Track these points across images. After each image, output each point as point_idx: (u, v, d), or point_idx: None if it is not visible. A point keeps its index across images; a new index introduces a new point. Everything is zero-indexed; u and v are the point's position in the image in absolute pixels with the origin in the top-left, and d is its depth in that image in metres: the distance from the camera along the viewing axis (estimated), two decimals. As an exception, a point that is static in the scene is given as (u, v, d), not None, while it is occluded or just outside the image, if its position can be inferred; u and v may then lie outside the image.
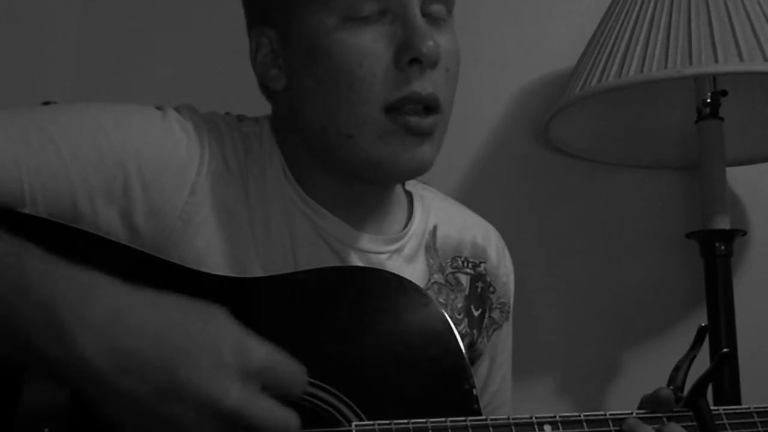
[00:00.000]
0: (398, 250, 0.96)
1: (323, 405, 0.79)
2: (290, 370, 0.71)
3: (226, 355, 0.67)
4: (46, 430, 0.75)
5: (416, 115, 0.86)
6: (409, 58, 0.84)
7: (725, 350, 1.12)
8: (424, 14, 0.87)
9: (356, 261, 0.92)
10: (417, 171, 0.89)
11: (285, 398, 0.70)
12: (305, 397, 0.78)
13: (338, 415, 0.79)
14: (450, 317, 0.86)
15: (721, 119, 1.34)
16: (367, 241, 0.94)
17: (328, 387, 0.80)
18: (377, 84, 0.85)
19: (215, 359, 0.67)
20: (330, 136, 0.88)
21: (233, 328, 0.70)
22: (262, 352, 0.69)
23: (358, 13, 0.85)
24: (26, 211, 0.81)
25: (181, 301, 0.71)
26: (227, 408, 0.66)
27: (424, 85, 0.85)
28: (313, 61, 0.87)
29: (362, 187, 0.93)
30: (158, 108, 0.90)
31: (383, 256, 0.94)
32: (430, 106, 0.86)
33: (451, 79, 0.89)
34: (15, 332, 0.67)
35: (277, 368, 0.70)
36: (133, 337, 0.67)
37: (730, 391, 1.26)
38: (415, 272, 0.95)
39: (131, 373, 0.66)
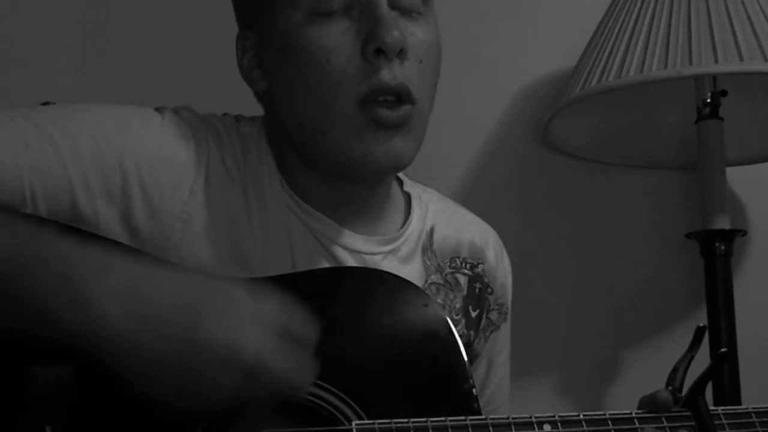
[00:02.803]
0: (394, 251, 0.96)
1: (324, 404, 0.79)
2: (303, 317, 0.73)
3: (241, 306, 0.70)
4: (48, 428, 0.75)
5: (387, 107, 0.85)
6: (374, 48, 0.84)
7: (723, 350, 1.12)
8: (395, 7, 0.87)
9: (351, 262, 0.92)
10: (393, 166, 0.89)
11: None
12: (306, 396, 0.79)
13: (339, 415, 0.79)
14: (448, 318, 0.86)
15: (721, 119, 1.34)
16: (361, 242, 0.94)
17: (328, 386, 0.80)
18: (346, 79, 0.85)
19: (232, 313, 0.70)
20: (306, 134, 0.88)
21: (245, 283, 0.73)
22: (275, 302, 0.72)
23: (324, 9, 0.85)
24: (27, 211, 0.81)
25: (192, 270, 0.75)
26: (247, 357, 0.69)
27: (394, 74, 0.85)
28: (285, 59, 0.88)
29: (348, 186, 0.93)
30: (157, 109, 0.90)
31: (378, 257, 0.94)
32: (401, 98, 0.86)
33: (425, 70, 0.89)
34: (37, 302, 0.69)
35: (290, 316, 0.73)
36: (151, 302, 0.70)
37: (730, 391, 1.26)
38: (411, 273, 0.95)
39: (152, 331, 0.68)
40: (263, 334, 0.70)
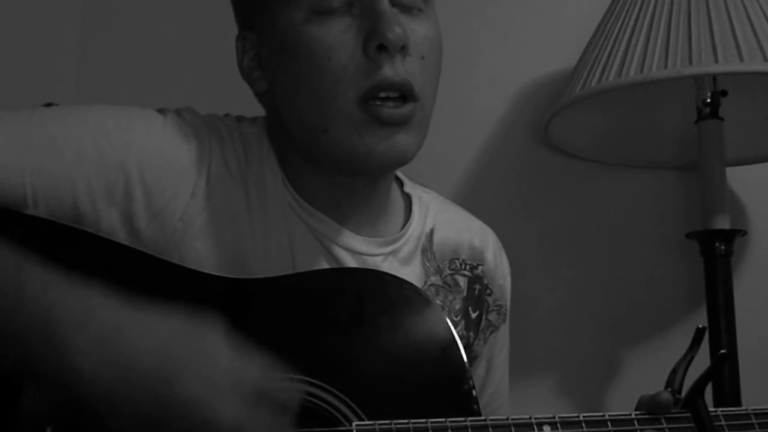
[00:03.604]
0: (394, 252, 0.96)
1: (324, 405, 0.79)
2: (285, 385, 0.73)
3: (223, 369, 0.69)
4: (49, 429, 0.75)
5: (391, 104, 0.85)
6: (376, 44, 0.84)
7: (723, 351, 1.12)
8: (395, 4, 0.87)
9: (351, 263, 0.92)
10: (395, 162, 0.89)
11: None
12: (306, 396, 0.79)
13: (339, 415, 0.79)
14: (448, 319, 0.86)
15: (721, 119, 1.34)
16: (361, 243, 0.94)
17: (328, 387, 0.80)
18: (348, 76, 0.85)
19: (212, 376, 0.68)
20: (308, 132, 0.88)
21: (230, 342, 0.71)
22: (257, 364, 0.71)
23: (325, 7, 0.85)
24: (28, 212, 0.81)
25: (178, 315, 0.72)
26: (222, 424, 0.67)
27: (396, 71, 0.85)
28: (286, 58, 0.88)
29: (350, 183, 0.93)
30: (160, 110, 0.90)
31: (378, 258, 0.94)
32: (404, 94, 0.86)
33: (428, 67, 0.89)
34: (14, 344, 0.68)
35: (271, 381, 0.71)
36: (133, 351, 0.68)
37: (730, 391, 1.26)
38: (410, 275, 0.95)
39: (131, 384, 0.67)
40: (242, 401, 0.69)
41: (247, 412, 0.69)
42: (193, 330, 0.71)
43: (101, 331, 0.68)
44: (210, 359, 0.69)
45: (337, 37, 0.85)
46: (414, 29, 0.87)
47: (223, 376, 0.69)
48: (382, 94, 0.85)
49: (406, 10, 0.88)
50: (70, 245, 0.82)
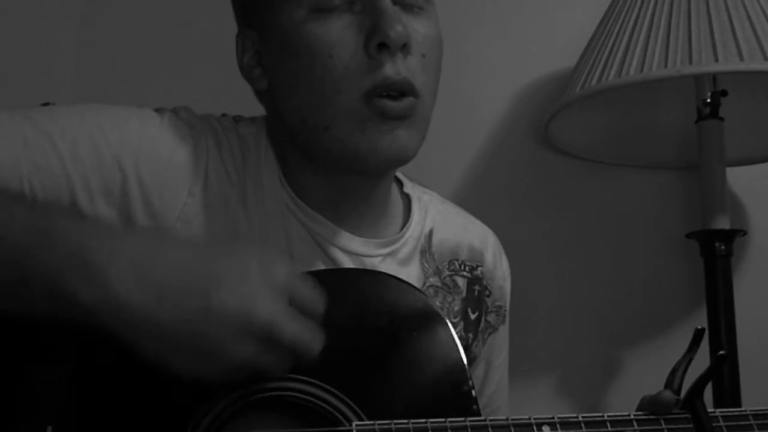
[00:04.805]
0: (392, 254, 0.96)
1: (324, 405, 0.79)
2: (309, 286, 0.75)
3: (253, 274, 0.72)
4: (50, 427, 0.75)
5: (391, 99, 0.85)
6: (377, 42, 0.84)
7: (722, 352, 1.12)
8: (396, 2, 0.87)
9: (348, 264, 0.92)
10: (398, 157, 0.88)
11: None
12: (306, 396, 0.79)
13: (338, 415, 0.79)
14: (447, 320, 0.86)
15: (721, 119, 1.34)
16: (359, 245, 0.94)
17: (328, 387, 0.80)
18: (349, 74, 0.85)
19: (244, 279, 0.71)
20: (309, 130, 0.88)
21: (254, 251, 0.75)
22: (284, 269, 0.74)
23: (326, 4, 0.85)
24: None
25: (202, 241, 0.76)
26: (259, 321, 0.70)
27: (397, 69, 0.85)
28: (287, 55, 0.88)
29: (349, 182, 0.93)
30: (157, 110, 0.90)
31: (376, 260, 0.94)
32: (406, 93, 0.86)
33: (429, 66, 0.89)
34: (48, 282, 0.69)
35: (298, 284, 0.75)
36: (164, 271, 0.70)
37: (730, 391, 1.26)
38: (409, 276, 0.95)
39: (167, 301, 0.69)
40: (275, 299, 0.72)
41: (279, 310, 0.71)
42: (219, 247, 0.75)
43: (131, 256, 0.70)
44: (239, 266, 0.72)
45: (338, 34, 0.85)
46: (415, 28, 0.87)
47: (253, 279, 0.71)
48: (384, 93, 0.85)
49: (408, 8, 0.88)
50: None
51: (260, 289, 0.71)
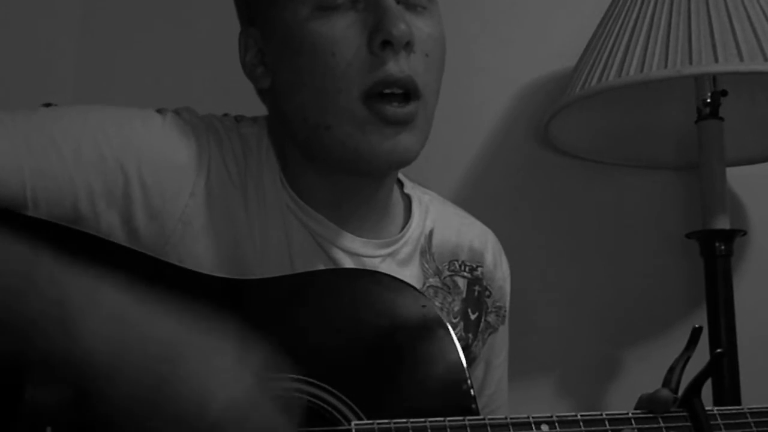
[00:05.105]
0: (392, 254, 0.96)
1: (323, 405, 0.79)
2: (287, 382, 0.74)
3: (225, 359, 0.70)
4: (49, 428, 0.75)
5: (394, 103, 0.85)
6: (381, 40, 0.84)
7: (719, 350, 1.12)
8: (400, 1, 0.87)
9: (348, 265, 0.92)
10: (399, 161, 0.88)
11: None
12: (306, 396, 0.79)
13: (338, 415, 0.79)
14: (446, 320, 0.86)
15: (721, 119, 1.34)
16: (360, 245, 0.93)
17: (327, 387, 0.80)
18: (351, 72, 0.85)
19: (213, 362, 0.69)
20: (310, 129, 0.88)
21: (233, 335, 0.72)
22: (260, 359, 0.71)
23: (330, 2, 0.85)
24: (29, 213, 0.81)
25: (181, 310, 0.73)
26: (218, 410, 0.68)
27: (400, 67, 0.85)
28: (290, 53, 0.88)
29: (351, 183, 0.92)
30: (158, 111, 0.90)
31: (376, 260, 0.94)
32: (408, 91, 0.86)
33: (431, 64, 0.89)
34: (25, 326, 0.69)
35: (274, 379, 0.72)
36: (137, 335, 0.69)
37: (729, 391, 1.26)
38: (409, 276, 0.95)
39: (132, 364, 0.68)
40: (243, 388, 0.69)
41: (247, 399, 0.69)
42: (197, 322, 0.73)
43: (109, 315, 0.70)
44: (212, 346, 0.71)
45: (342, 32, 0.85)
46: (419, 27, 0.87)
47: (224, 362, 0.70)
48: (386, 91, 0.85)
49: (411, 7, 0.88)
50: (74, 243, 0.82)
51: (229, 372, 0.69)
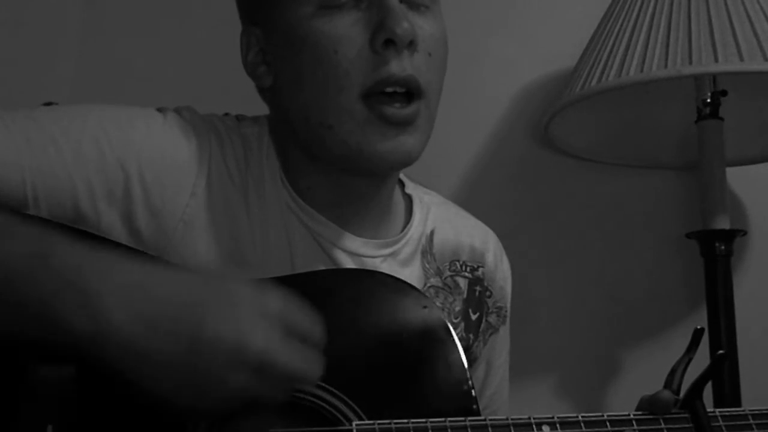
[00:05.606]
0: (393, 254, 0.96)
1: (324, 404, 0.79)
2: (306, 313, 0.74)
3: (246, 303, 0.71)
4: (50, 427, 0.75)
5: (397, 103, 0.85)
6: (384, 39, 0.84)
7: (721, 352, 1.12)
8: (403, 0, 0.87)
9: (350, 265, 0.92)
10: (400, 162, 0.89)
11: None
12: (306, 396, 0.79)
13: (339, 415, 0.79)
14: (447, 320, 0.86)
15: (721, 119, 1.34)
16: (361, 245, 0.93)
17: (328, 387, 0.80)
18: (353, 71, 0.85)
19: (237, 309, 0.70)
20: (312, 127, 0.88)
21: (248, 281, 0.74)
22: (279, 298, 0.73)
23: (333, 1, 0.85)
24: (29, 212, 0.81)
25: (195, 270, 0.75)
26: (253, 352, 0.69)
27: (403, 66, 0.85)
28: (292, 52, 0.88)
29: (352, 182, 0.92)
30: (159, 110, 0.90)
31: (377, 260, 0.94)
32: (410, 90, 0.86)
33: (434, 64, 0.89)
34: (42, 307, 0.69)
35: (293, 312, 0.73)
36: (157, 303, 0.70)
37: (730, 391, 1.26)
38: (410, 276, 0.95)
39: (160, 333, 0.68)
40: (268, 328, 0.70)
41: (274, 341, 0.70)
42: (213, 277, 0.74)
43: (126, 285, 0.70)
44: (232, 297, 0.71)
45: (345, 31, 0.85)
46: (421, 26, 0.87)
47: (246, 310, 0.70)
48: (389, 89, 0.85)
49: (414, 6, 0.88)
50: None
51: (253, 318, 0.70)
